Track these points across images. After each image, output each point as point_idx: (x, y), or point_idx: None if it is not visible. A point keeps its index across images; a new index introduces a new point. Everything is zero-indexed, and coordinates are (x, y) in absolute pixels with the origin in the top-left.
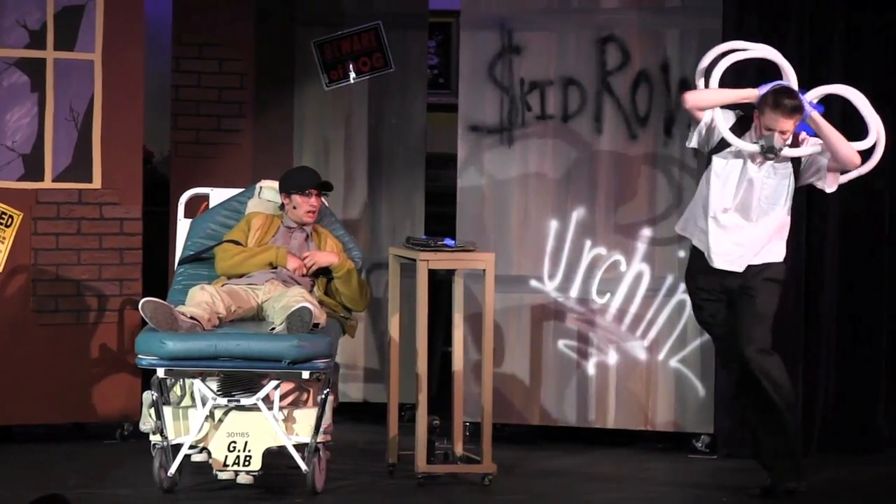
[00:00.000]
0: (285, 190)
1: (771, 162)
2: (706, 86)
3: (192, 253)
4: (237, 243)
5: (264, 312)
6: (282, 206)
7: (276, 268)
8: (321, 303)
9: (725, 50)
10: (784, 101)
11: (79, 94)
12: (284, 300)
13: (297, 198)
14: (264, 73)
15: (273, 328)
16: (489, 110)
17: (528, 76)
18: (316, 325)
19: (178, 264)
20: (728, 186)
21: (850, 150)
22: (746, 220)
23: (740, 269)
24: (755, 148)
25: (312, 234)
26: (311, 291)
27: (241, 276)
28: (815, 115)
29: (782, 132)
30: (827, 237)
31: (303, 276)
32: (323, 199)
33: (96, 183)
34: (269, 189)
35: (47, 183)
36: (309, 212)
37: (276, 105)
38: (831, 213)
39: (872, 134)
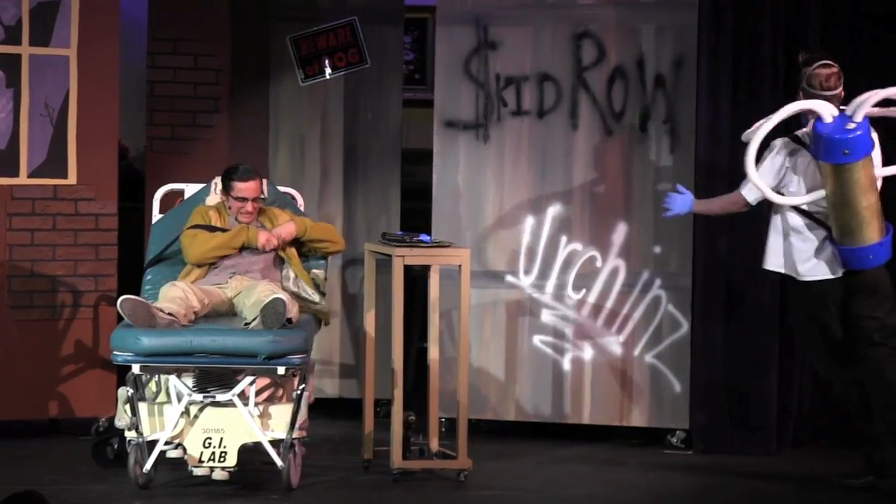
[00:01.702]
0: (224, 190)
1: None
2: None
3: (156, 253)
4: (204, 228)
5: (236, 308)
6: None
7: (244, 249)
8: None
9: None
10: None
11: (54, 90)
12: (255, 295)
13: (234, 202)
14: (239, 69)
15: (247, 324)
16: (465, 106)
17: (503, 72)
18: (289, 321)
19: (145, 268)
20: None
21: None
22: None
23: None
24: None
25: (262, 217)
26: (281, 268)
27: (216, 259)
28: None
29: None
30: None
31: (272, 250)
32: (263, 183)
33: (71, 179)
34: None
35: (22, 179)
36: (243, 214)
37: (252, 100)
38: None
39: None
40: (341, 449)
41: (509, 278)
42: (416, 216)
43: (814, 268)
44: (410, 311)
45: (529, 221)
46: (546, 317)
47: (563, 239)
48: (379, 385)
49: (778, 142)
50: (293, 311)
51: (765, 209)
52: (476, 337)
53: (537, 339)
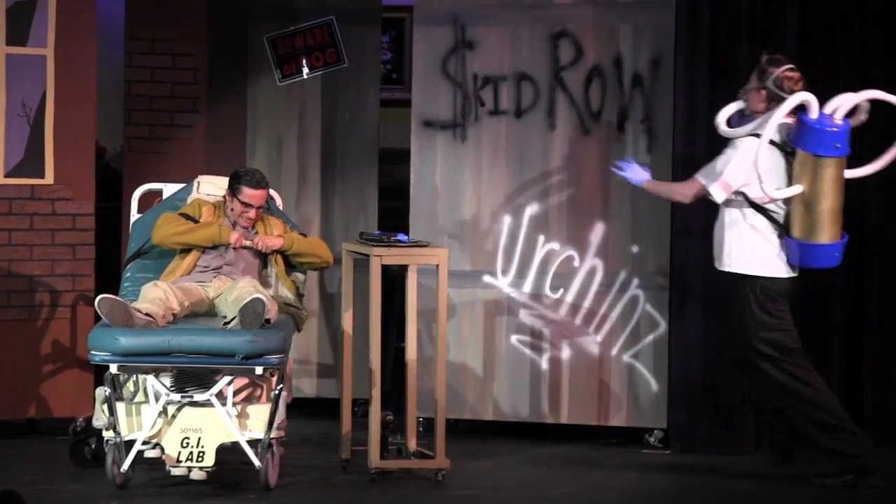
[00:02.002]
0: (231, 190)
1: None
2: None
3: (136, 249)
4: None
5: (216, 308)
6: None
7: (217, 247)
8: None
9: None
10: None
11: (31, 90)
12: (235, 293)
13: (238, 205)
14: (217, 69)
15: (226, 322)
16: (442, 105)
17: (481, 71)
18: (267, 321)
19: (125, 264)
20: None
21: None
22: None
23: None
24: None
25: (257, 223)
26: (263, 273)
27: (178, 246)
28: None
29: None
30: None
31: (247, 248)
32: (271, 192)
33: (49, 178)
34: (207, 183)
35: None
36: (244, 219)
37: (229, 100)
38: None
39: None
40: (319, 449)
41: (487, 278)
42: (394, 216)
43: (777, 266)
44: (388, 311)
45: (507, 221)
46: (524, 316)
47: (541, 238)
48: (357, 385)
49: (746, 140)
50: (272, 311)
51: (709, 208)
52: (454, 336)
53: (515, 339)
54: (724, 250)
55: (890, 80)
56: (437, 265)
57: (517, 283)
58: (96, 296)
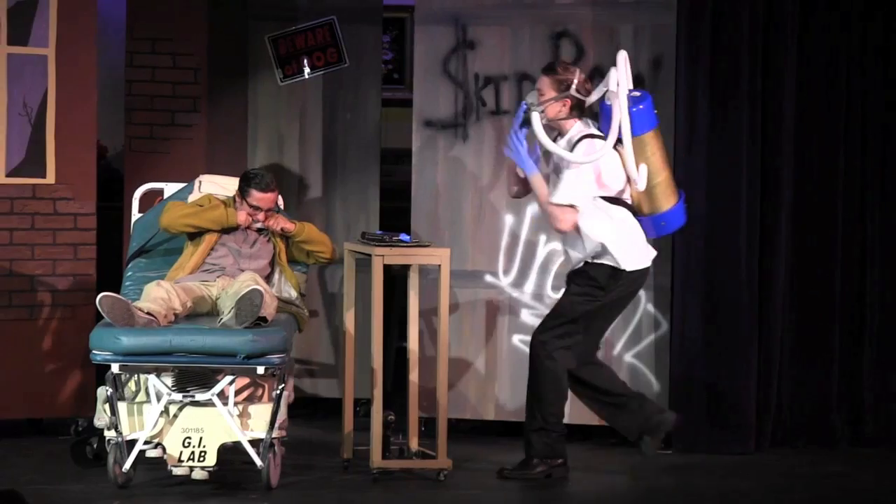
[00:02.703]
0: (240, 192)
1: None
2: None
3: (137, 248)
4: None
5: (219, 307)
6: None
7: (227, 231)
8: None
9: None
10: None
11: (32, 90)
12: (235, 287)
13: (247, 207)
14: (218, 68)
15: (221, 319)
16: (443, 105)
17: (482, 71)
18: (264, 319)
19: (127, 261)
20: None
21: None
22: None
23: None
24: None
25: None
26: (272, 263)
27: (186, 228)
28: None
29: (539, 90)
30: (780, 233)
31: (258, 230)
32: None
33: (50, 178)
34: (208, 183)
35: (1, 178)
36: (249, 221)
37: (230, 100)
38: (783, 209)
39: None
40: (320, 449)
41: (488, 278)
42: (396, 216)
43: (644, 256)
44: (390, 311)
45: (508, 221)
46: (525, 316)
47: (542, 238)
48: (358, 385)
49: (598, 143)
50: (270, 309)
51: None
52: (455, 336)
53: (517, 339)
54: (605, 252)
55: (890, 74)
56: (439, 265)
57: (519, 282)
58: (97, 295)
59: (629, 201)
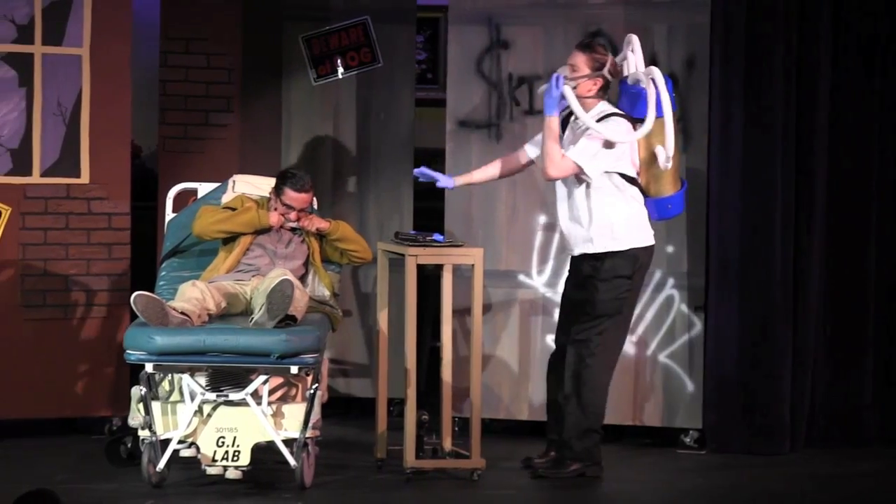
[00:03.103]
0: (276, 190)
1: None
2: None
3: (171, 248)
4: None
5: (252, 306)
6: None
7: (260, 232)
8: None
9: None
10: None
11: (66, 89)
12: (266, 283)
13: (280, 206)
14: (252, 68)
15: (253, 318)
16: (477, 105)
17: (515, 71)
18: (294, 319)
19: (161, 261)
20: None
21: (548, 160)
22: (566, 199)
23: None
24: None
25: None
26: (306, 263)
27: (219, 235)
28: (547, 120)
29: (572, 65)
30: (814, 233)
31: (292, 230)
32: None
33: (84, 178)
34: (242, 183)
35: (35, 178)
36: (288, 221)
37: (264, 100)
38: (818, 209)
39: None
40: (354, 448)
41: (522, 278)
42: (429, 216)
43: (650, 235)
44: (423, 311)
45: (542, 221)
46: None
47: None
48: (392, 384)
49: (623, 121)
50: (300, 304)
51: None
52: (489, 336)
53: (550, 339)
54: (611, 231)
55: None
56: (473, 265)
57: (552, 282)
58: (131, 295)
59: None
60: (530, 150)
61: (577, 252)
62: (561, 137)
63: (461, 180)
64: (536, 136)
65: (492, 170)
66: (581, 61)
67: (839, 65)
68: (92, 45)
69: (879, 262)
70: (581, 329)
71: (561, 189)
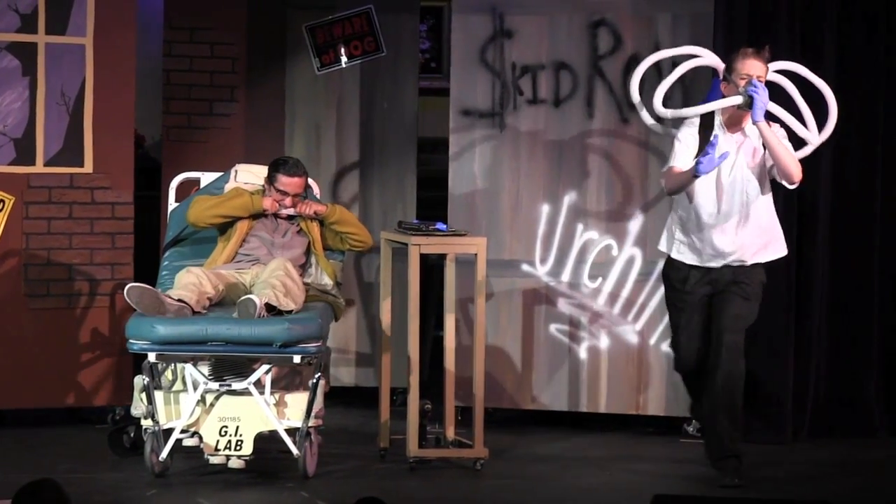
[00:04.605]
0: (269, 178)
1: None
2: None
3: (173, 237)
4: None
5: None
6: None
7: (257, 217)
8: (307, 287)
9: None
10: (747, 48)
11: (70, 79)
12: (264, 274)
13: (274, 193)
14: (255, 58)
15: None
16: (481, 94)
17: (519, 60)
18: (289, 312)
19: (164, 251)
20: (711, 188)
21: (794, 164)
22: (741, 210)
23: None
24: (738, 100)
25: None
26: (308, 252)
27: (214, 220)
28: (763, 124)
29: (759, 76)
30: (818, 217)
31: (288, 217)
32: (309, 181)
33: (88, 167)
34: (245, 172)
35: (39, 167)
36: (283, 207)
37: (268, 89)
38: (822, 194)
39: (832, 112)
40: (357, 437)
41: (525, 267)
42: (432, 205)
43: None
44: (426, 300)
45: (545, 210)
46: (562, 305)
47: (580, 227)
48: (395, 374)
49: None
50: (295, 296)
51: None
52: (492, 325)
53: (553, 328)
54: (770, 238)
55: None
56: (476, 254)
57: (555, 272)
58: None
59: None
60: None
61: (748, 263)
62: (703, 143)
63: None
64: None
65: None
66: (763, 70)
67: (845, 54)
68: (95, 34)
69: (883, 251)
70: (736, 330)
71: (748, 196)
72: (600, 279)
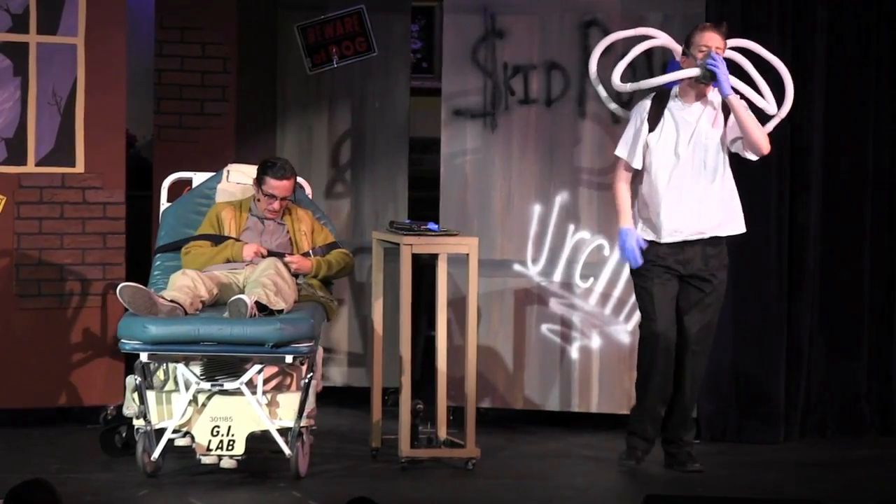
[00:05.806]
0: (257, 181)
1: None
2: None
3: (166, 242)
4: (206, 238)
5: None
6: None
7: (252, 218)
8: (299, 287)
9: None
10: (706, 23)
11: (61, 79)
12: (255, 274)
13: (262, 196)
14: (247, 58)
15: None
16: (472, 94)
17: (511, 60)
18: (280, 312)
19: (154, 253)
20: (669, 159)
21: (763, 135)
22: (700, 181)
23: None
24: (695, 71)
25: (285, 215)
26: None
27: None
28: (733, 97)
29: (717, 48)
30: (810, 219)
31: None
32: (301, 182)
33: (79, 167)
34: (236, 172)
35: (30, 167)
36: (269, 211)
37: (259, 89)
38: (813, 194)
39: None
40: (349, 437)
41: (517, 267)
42: (424, 205)
43: None
44: (418, 300)
45: (537, 210)
46: (554, 305)
47: (571, 227)
48: (387, 374)
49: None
50: (288, 299)
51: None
52: (484, 325)
53: (545, 328)
54: (730, 212)
55: None
56: (468, 254)
57: (547, 272)
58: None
59: None
60: (636, 161)
61: (707, 235)
62: (657, 120)
63: (630, 224)
64: (621, 139)
65: (627, 197)
66: (722, 43)
67: (835, 54)
68: (87, 34)
69: (874, 251)
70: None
71: (706, 167)
72: (592, 279)
